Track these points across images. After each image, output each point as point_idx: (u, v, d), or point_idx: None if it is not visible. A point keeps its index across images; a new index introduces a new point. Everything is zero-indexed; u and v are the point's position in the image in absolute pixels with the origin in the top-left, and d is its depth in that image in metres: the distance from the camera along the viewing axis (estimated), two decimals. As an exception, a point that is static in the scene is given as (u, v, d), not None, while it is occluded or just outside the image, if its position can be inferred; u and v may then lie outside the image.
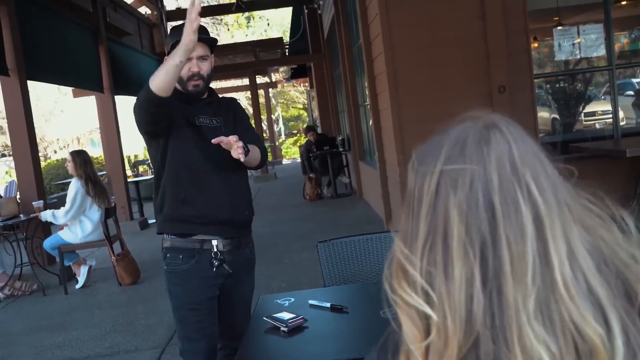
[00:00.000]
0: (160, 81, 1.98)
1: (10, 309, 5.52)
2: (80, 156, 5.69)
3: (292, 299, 2.11)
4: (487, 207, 0.64)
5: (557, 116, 6.82)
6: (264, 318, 1.89)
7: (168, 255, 2.28)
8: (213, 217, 2.23)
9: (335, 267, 2.47)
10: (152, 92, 1.98)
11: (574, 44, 5.52)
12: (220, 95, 2.44)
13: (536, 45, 6.40)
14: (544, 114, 6.85)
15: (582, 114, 6.82)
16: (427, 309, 0.63)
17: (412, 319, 0.65)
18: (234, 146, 2.05)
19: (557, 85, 6.76)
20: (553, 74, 6.29)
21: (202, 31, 2.20)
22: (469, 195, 0.64)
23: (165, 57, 2.25)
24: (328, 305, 1.97)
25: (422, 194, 0.68)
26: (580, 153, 5.50)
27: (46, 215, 5.64)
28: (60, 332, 4.59)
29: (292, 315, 1.86)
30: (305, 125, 12.65)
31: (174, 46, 2.02)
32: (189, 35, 1.89)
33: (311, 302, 2.02)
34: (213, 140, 2.05)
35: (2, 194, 9.71)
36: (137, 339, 4.24)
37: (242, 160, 2.06)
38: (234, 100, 2.48)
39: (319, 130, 13.56)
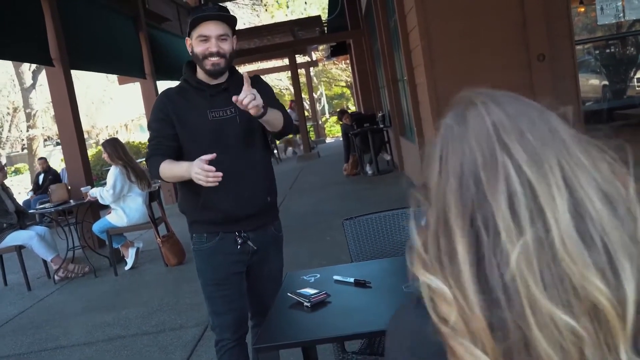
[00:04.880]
0: (167, 177, 2.23)
1: (65, 290, 5.78)
2: (111, 145, 5.85)
3: (318, 275, 2.14)
4: (476, 184, 0.65)
5: (606, 82, 6.56)
6: (288, 294, 1.93)
7: (194, 235, 2.36)
8: (235, 216, 2.27)
9: (361, 244, 2.49)
10: (161, 178, 2.25)
11: (617, 7, 5.28)
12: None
13: (583, 9, 6.15)
14: (593, 81, 6.61)
15: (634, 80, 6.53)
16: (447, 292, 0.64)
17: (443, 300, 0.65)
18: (245, 101, 2.01)
19: (607, 51, 6.48)
20: (593, 39, 6.04)
21: (221, 9, 2.23)
22: (460, 178, 0.66)
23: (187, 39, 2.28)
24: (352, 280, 1.99)
25: (431, 188, 0.71)
26: (627, 120, 5.32)
27: (95, 192, 5.86)
28: (111, 312, 4.78)
29: (315, 291, 1.89)
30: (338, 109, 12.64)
31: (193, 23, 2.20)
32: (195, 175, 2.01)
33: (336, 277, 2.05)
34: (233, 99, 2.04)
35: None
36: (182, 317, 4.38)
37: (252, 112, 2.04)
38: (255, 78, 2.41)
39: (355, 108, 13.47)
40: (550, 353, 0.59)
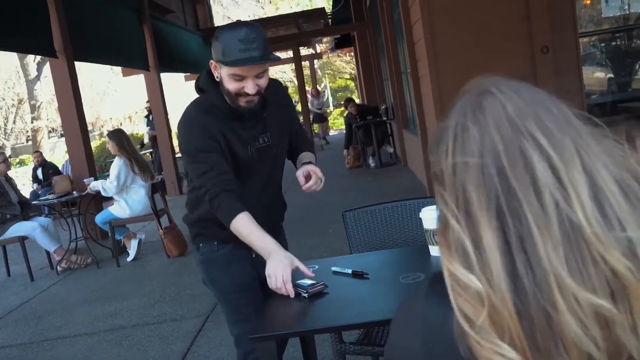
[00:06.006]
0: (239, 233, 1.92)
1: (67, 281, 5.81)
2: (116, 135, 5.87)
3: (316, 266, 2.14)
4: (499, 172, 0.64)
5: (611, 75, 6.53)
6: (286, 285, 1.93)
7: (201, 244, 2.16)
8: None
9: (361, 235, 2.49)
10: (229, 225, 1.93)
11: (622, -1, 5.26)
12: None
13: (588, 1, 6.11)
14: (598, 74, 6.57)
15: (639, 73, 6.49)
16: (475, 281, 0.63)
17: (468, 298, 0.64)
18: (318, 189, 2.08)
19: (612, 44, 6.44)
20: (597, 32, 6.01)
21: (257, 36, 1.85)
22: (480, 167, 0.65)
23: (211, 62, 1.94)
24: (350, 271, 1.99)
25: (443, 177, 0.69)
26: (630, 113, 5.29)
27: (96, 185, 5.87)
28: (112, 302, 4.81)
29: (313, 282, 1.89)
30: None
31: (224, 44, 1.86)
32: (276, 276, 1.84)
33: (334, 268, 2.05)
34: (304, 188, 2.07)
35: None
36: (182, 308, 4.40)
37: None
38: (275, 84, 2.14)
39: (359, 101, 13.45)
40: (580, 334, 0.59)
